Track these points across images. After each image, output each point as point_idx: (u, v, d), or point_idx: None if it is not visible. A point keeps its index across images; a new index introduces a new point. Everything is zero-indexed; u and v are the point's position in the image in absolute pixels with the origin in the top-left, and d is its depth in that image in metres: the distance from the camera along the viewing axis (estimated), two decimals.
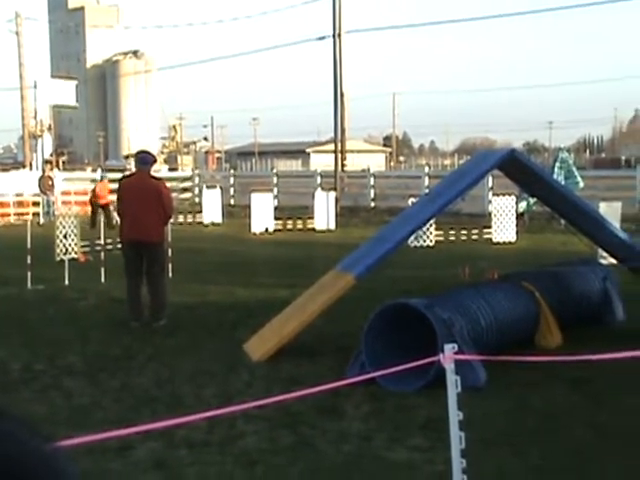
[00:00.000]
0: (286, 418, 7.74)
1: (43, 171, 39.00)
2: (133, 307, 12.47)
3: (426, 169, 40.07)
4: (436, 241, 23.86)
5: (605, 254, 13.60)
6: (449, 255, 20.24)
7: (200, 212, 33.04)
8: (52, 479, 0.91)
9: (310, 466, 6.60)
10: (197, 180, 44.98)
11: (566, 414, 7.88)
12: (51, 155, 54.11)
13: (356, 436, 7.33)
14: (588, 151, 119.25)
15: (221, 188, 35.62)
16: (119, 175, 28.43)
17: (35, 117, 51.20)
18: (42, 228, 28.04)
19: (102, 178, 32.64)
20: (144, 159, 12.77)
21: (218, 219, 32.38)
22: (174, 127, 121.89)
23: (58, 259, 16.80)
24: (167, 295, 12.77)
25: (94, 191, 31.04)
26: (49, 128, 52.74)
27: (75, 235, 17.21)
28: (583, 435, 7.30)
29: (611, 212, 18.67)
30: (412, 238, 21.70)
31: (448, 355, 4.77)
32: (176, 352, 10.61)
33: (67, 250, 17.00)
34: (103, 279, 16.36)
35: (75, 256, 17.25)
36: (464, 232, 25.01)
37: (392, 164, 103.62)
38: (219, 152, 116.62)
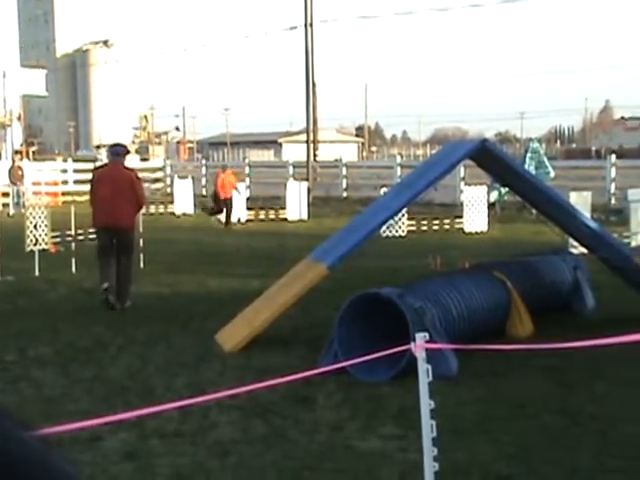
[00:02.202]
0: (258, 408, 7.73)
1: (13, 161, 38.69)
2: (104, 274, 12.94)
3: (398, 159, 40.14)
4: (408, 231, 23.90)
5: (575, 243, 13.67)
6: (421, 245, 20.29)
7: (172, 202, 32.93)
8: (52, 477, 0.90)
9: (282, 456, 6.60)
10: (169, 170, 44.82)
11: (537, 402, 7.93)
12: (21, 145, 53.70)
13: (328, 426, 7.34)
14: (559, 141, 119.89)
15: (193, 178, 35.52)
16: (90, 165, 28.17)
17: (4, 107, 50.76)
18: (12, 219, 27.84)
19: (225, 167, 29.43)
20: (117, 151, 13.46)
21: (190, 209, 32.29)
22: (145, 117, 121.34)
23: (28, 250, 16.68)
24: (132, 279, 13.32)
25: (217, 182, 27.93)
26: (18, 118, 52.34)
27: (45, 226, 17.09)
28: (555, 422, 7.35)
29: (581, 202, 18.78)
30: (384, 228, 21.74)
31: (419, 344, 4.78)
32: (148, 343, 10.57)
33: (37, 241, 16.89)
34: (74, 270, 16.27)
35: (45, 247, 17.13)
36: (436, 222, 25.07)
37: (364, 154, 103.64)
38: (191, 142, 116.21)
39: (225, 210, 27.42)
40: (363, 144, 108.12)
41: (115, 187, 12.79)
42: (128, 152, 13.96)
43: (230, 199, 27.52)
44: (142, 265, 16.49)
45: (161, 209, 32.43)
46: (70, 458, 0.89)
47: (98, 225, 13.14)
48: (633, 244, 19.15)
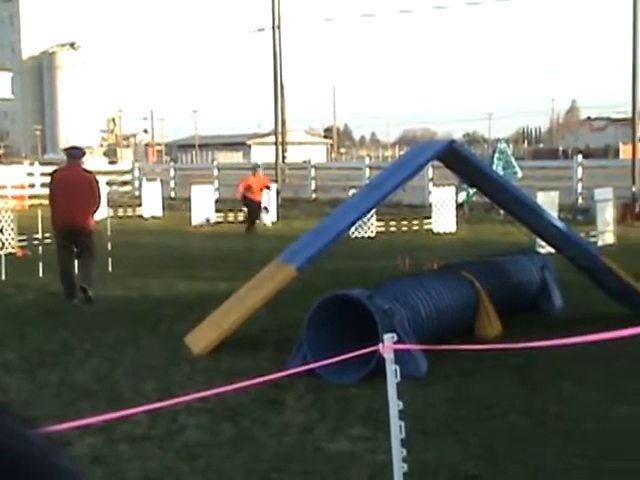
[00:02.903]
0: (227, 411, 7.71)
1: None
2: (67, 287, 13.51)
3: (367, 160, 40.24)
4: (377, 232, 23.95)
5: (543, 243, 13.76)
6: (390, 246, 20.32)
7: (140, 205, 32.77)
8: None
9: (251, 458, 6.59)
10: (137, 173, 44.57)
11: (505, 402, 7.97)
12: None
13: (297, 427, 7.33)
14: (526, 142, 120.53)
15: (161, 181, 35.38)
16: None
17: None
18: None
19: (256, 169, 27.22)
20: (74, 154, 13.91)
21: (158, 212, 32.15)
22: (113, 120, 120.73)
23: None
24: (95, 275, 13.78)
25: (247, 185, 26.07)
26: None
27: (12, 229, 16.96)
28: (521, 422, 7.39)
29: (548, 202, 18.93)
30: (353, 229, 21.77)
31: (387, 345, 4.78)
32: (116, 346, 10.52)
33: (4, 245, 16.75)
34: (41, 274, 16.14)
35: (12, 251, 16.99)
36: (405, 223, 25.14)
37: (333, 156, 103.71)
38: (159, 145, 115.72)
39: (250, 214, 25.83)
40: (332, 145, 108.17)
41: (73, 189, 13.19)
42: (84, 154, 14.41)
43: (259, 203, 26.20)
44: (110, 269, 16.40)
45: (129, 212, 32.26)
46: (73, 456, 0.89)
47: (57, 226, 13.50)
48: (600, 243, 19.31)
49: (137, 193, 39.43)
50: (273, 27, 37.79)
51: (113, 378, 9.05)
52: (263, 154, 58.50)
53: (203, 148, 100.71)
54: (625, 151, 51.92)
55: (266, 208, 27.11)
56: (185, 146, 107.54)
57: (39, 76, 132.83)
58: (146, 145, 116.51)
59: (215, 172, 40.56)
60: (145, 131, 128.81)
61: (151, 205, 32.25)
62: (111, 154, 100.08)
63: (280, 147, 38.53)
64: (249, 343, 10.31)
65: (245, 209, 26.57)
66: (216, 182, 38.66)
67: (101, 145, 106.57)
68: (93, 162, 54.09)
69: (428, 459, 6.39)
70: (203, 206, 28.91)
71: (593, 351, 8.77)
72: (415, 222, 25.38)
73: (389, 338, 4.83)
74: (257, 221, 26.11)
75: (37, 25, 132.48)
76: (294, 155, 49.43)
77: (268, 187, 27.25)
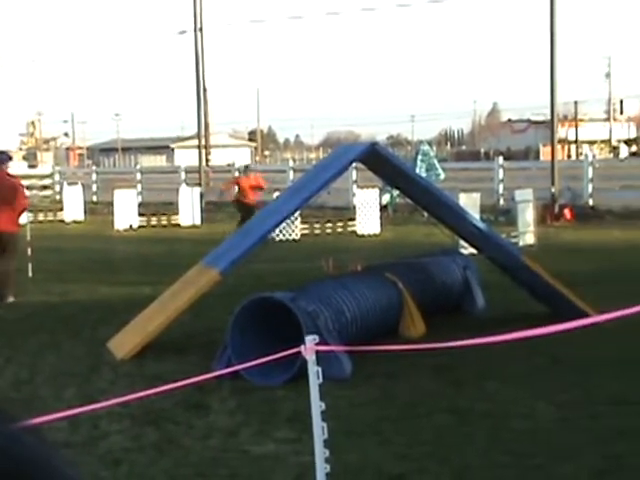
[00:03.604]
0: (150, 415, 7.63)
1: None
2: None
3: (291, 163, 40.24)
4: (301, 234, 23.98)
5: (465, 244, 13.91)
6: (314, 248, 20.33)
7: (61, 210, 32.30)
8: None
9: (175, 463, 6.53)
10: (58, 177, 43.92)
11: (429, 401, 8.03)
12: None
13: (222, 431, 7.29)
14: (449, 144, 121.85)
15: (83, 185, 34.92)
16: None
17: None
18: None
19: (246, 170, 24.45)
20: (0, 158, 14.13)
21: (80, 216, 31.73)
22: (33, 123, 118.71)
23: None
24: (14, 278, 14.09)
25: (236, 187, 23.37)
26: None
27: None
28: (446, 421, 7.44)
29: (470, 203, 19.14)
30: (277, 232, 21.74)
31: (309, 346, 4.78)
32: (36, 353, 10.33)
33: None
34: None
35: None
36: (329, 225, 25.21)
37: (257, 158, 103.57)
38: (81, 148, 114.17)
39: (244, 218, 20.68)
40: (256, 148, 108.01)
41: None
42: (10, 158, 14.81)
43: (252, 206, 21.94)
44: (30, 274, 16.13)
45: (50, 217, 31.76)
46: (71, 460, 0.87)
47: None
48: (520, 244, 19.59)
49: (58, 197, 38.86)
50: (195, 29, 37.59)
51: (33, 385, 8.89)
52: (187, 157, 58.10)
53: (126, 152, 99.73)
54: (545, 153, 52.83)
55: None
56: (107, 150, 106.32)
57: None
58: (67, 149, 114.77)
59: (138, 176, 40.18)
60: (66, 134, 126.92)
61: (72, 209, 31.81)
62: (31, 158, 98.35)
63: (203, 150, 38.32)
64: (173, 347, 10.22)
65: (240, 214, 22.59)
66: (139, 186, 38.31)
67: (20, 149, 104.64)
68: (12, 166, 53.12)
69: (352, 459, 6.41)
70: (126, 210, 28.61)
71: (514, 349, 8.90)
72: (339, 224, 25.46)
73: (311, 340, 4.82)
74: None
75: None
76: (218, 158, 49.16)
77: (262, 187, 23.19)
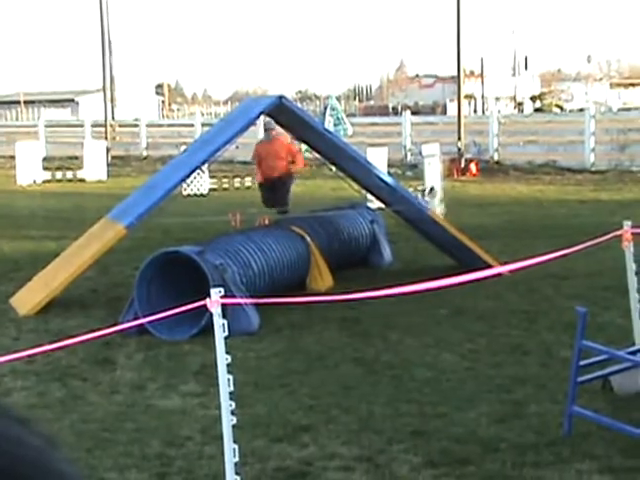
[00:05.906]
0: (56, 372, 7.56)
1: None
2: None
3: (198, 117, 39.82)
4: (210, 189, 23.81)
5: (373, 198, 13.99)
6: (222, 203, 20.23)
7: None
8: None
9: (81, 418, 6.48)
10: None
11: (336, 353, 8.11)
12: None
13: (129, 386, 7.26)
14: (358, 99, 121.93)
15: None
16: None
17: None
18: None
19: (269, 130, 14.10)
20: None
21: None
22: None
23: None
24: None
25: (259, 160, 14.54)
26: None
27: None
28: (352, 371, 7.54)
29: (378, 157, 19.23)
30: (185, 186, 21.58)
31: (214, 299, 4.77)
32: None
33: None
34: None
35: None
36: (237, 180, 25.07)
37: (165, 112, 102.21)
38: None
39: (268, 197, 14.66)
40: (163, 102, 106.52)
41: None
42: None
43: (276, 180, 14.34)
44: None
45: None
46: (70, 458, 0.85)
47: None
48: (427, 199, 19.78)
49: None
50: None
51: None
52: (92, 111, 57.04)
53: (29, 105, 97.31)
54: (452, 108, 53.29)
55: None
56: (9, 103, 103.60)
57: None
58: None
59: (42, 129, 39.32)
60: None
61: None
62: None
63: (109, 104, 37.65)
64: (79, 303, 10.11)
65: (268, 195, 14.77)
66: (43, 139, 37.49)
67: None
68: None
69: (259, 412, 6.45)
70: (29, 164, 27.99)
71: (420, 301, 9.04)
72: (248, 179, 25.34)
73: (216, 293, 4.81)
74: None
75: None
76: (124, 112, 48.34)
77: (293, 160, 14.34)
